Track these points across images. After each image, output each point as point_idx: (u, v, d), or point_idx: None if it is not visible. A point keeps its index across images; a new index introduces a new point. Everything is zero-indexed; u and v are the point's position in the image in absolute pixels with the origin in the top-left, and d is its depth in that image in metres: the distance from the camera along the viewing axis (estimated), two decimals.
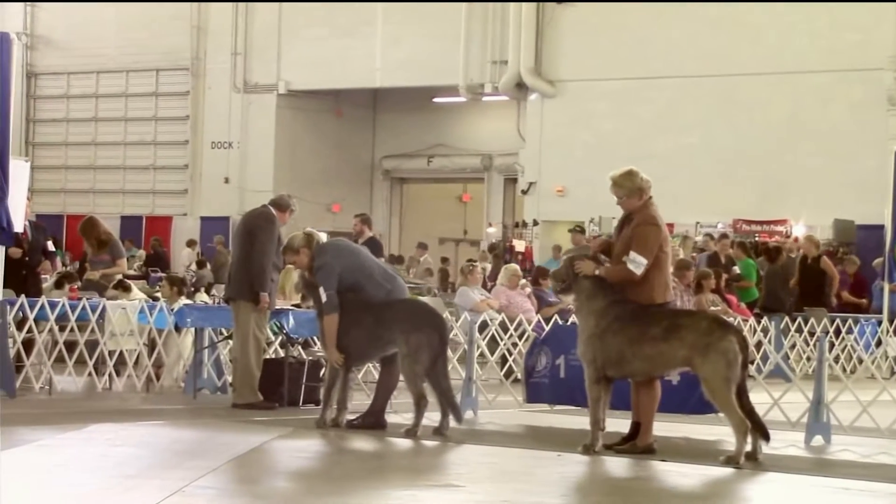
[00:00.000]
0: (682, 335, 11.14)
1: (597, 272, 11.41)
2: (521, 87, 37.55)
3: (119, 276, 17.91)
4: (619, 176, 11.57)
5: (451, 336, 16.07)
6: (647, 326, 11.22)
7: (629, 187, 11.50)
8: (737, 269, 24.34)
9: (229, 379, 15.87)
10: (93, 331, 15.58)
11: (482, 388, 14.92)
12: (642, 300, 11.40)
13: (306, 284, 13.04)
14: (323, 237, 13.34)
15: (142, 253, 37.18)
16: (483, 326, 17.12)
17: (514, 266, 21.99)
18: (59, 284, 17.33)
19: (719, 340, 11.07)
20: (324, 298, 12.49)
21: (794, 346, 20.45)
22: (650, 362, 11.28)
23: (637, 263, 11.25)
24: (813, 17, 33.18)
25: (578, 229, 22.70)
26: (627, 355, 11.26)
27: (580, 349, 11.56)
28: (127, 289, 17.13)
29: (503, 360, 17.51)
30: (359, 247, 13.86)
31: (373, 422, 12.74)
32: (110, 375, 15.68)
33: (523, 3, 37.04)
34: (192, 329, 15.96)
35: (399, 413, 13.09)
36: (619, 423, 11.94)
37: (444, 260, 38.11)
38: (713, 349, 11.05)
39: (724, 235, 27.43)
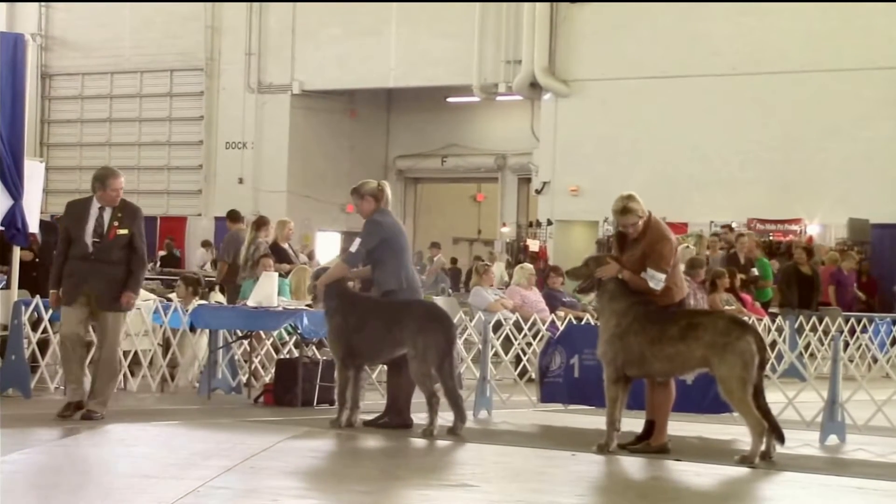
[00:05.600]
0: (699, 334, 11.15)
1: (620, 276, 11.43)
2: (534, 87, 37.53)
3: None
4: (630, 202, 11.41)
5: (465, 336, 16.14)
6: (667, 326, 11.24)
7: (641, 208, 11.44)
8: (755, 271, 24.30)
9: (244, 379, 15.91)
10: None
11: (496, 388, 14.91)
12: (663, 301, 11.43)
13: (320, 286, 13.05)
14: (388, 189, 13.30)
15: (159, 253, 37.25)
16: (497, 326, 17.12)
17: (529, 266, 21.97)
18: None
19: (737, 340, 11.07)
20: (354, 249, 12.76)
21: (808, 345, 20.42)
22: (670, 362, 11.28)
23: (657, 280, 11.31)
24: (828, 15, 33.11)
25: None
26: (648, 355, 11.28)
27: (600, 349, 11.56)
28: None
29: (517, 359, 17.51)
30: (406, 240, 13.63)
31: (398, 421, 12.76)
32: (125, 375, 15.70)
33: (537, 3, 37.02)
34: (207, 329, 15.96)
35: (413, 413, 13.07)
36: (633, 423, 11.94)
37: (454, 261, 38.09)
38: (730, 349, 11.05)
39: (741, 235, 27.38)
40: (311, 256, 28.53)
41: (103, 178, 12.88)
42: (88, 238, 12.75)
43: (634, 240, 11.51)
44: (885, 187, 32.07)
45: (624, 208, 11.43)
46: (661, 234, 11.48)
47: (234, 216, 21.38)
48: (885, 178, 32.10)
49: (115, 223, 12.80)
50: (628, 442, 11.59)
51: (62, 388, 15.19)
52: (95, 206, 12.85)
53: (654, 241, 11.43)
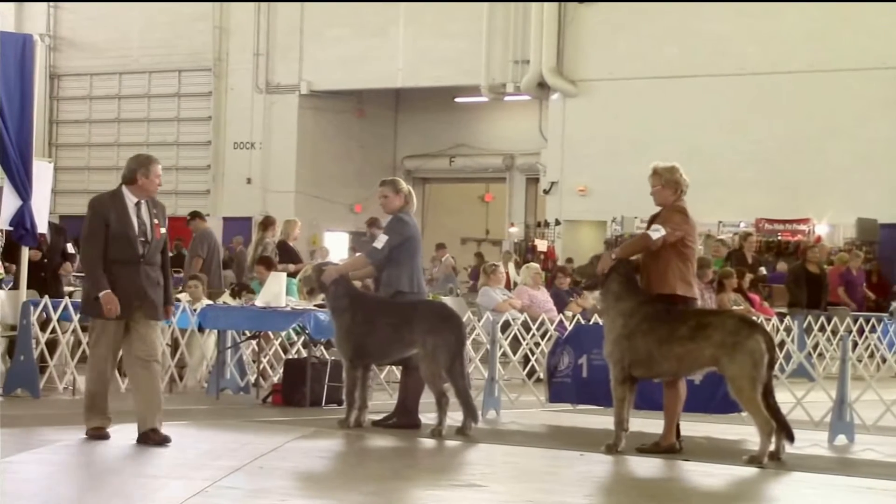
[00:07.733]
0: (709, 334, 11.16)
1: (613, 256, 11.51)
2: (542, 87, 37.56)
3: None
4: (662, 167, 11.74)
5: (473, 336, 16.13)
6: (676, 326, 11.24)
7: (668, 178, 11.67)
8: (763, 270, 24.27)
9: (252, 379, 15.91)
10: None
11: (505, 388, 14.91)
12: (663, 289, 11.44)
13: (319, 283, 13.04)
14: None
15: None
16: (505, 326, 17.11)
17: (535, 265, 21.97)
18: None
19: (746, 339, 11.07)
20: (379, 245, 12.80)
21: (816, 345, 20.38)
22: (679, 362, 11.28)
23: (657, 230, 11.37)
24: (839, 15, 33.06)
25: None
26: (656, 356, 11.27)
27: (607, 349, 11.56)
28: None
29: (526, 359, 17.51)
30: (421, 245, 13.70)
31: (406, 421, 12.77)
32: None
33: (545, 3, 37.03)
34: (215, 329, 15.97)
35: (421, 413, 13.08)
36: (642, 424, 11.93)
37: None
38: (740, 348, 11.05)
39: (748, 234, 27.36)
40: (323, 256, 28.53)
41: (147, 163, 11.27)
42: (136, 239, 11.17)
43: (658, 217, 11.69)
44: (894, 188, 32.03)
45: (653, 170, 11.74)
46: (678, 208, 11.61)
47: (198, 215, 21.97)
48: (894, 178, 32.05)
49: (156, 221, 11.29)
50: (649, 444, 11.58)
51: (71, 388, 15.23)
52: (131, 200, 11.24)
53: (671, 211, 11.59)
